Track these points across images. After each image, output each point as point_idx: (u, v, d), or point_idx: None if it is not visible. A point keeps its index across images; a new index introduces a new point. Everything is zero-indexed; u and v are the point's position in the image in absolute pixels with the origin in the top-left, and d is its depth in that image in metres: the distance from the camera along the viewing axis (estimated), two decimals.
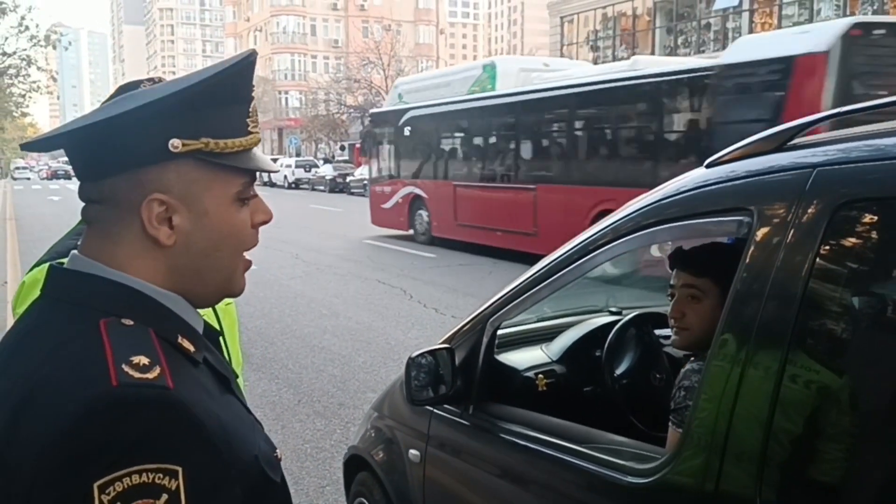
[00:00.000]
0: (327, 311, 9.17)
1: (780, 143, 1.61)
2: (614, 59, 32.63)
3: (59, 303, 0.89)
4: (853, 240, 1.41)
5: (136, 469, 0.74)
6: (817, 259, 1.38)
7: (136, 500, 0.74)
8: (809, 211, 1.42)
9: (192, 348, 0.91)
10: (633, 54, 31.84)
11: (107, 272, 0.90)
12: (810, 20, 24.77)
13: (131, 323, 0.86)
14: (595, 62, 33.69)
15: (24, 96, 26.83)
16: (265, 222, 1.00)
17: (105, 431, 0.75)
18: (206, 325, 1.02)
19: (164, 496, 0.75)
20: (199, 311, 1.92)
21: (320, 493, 4.23)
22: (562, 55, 34.99)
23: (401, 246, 15.16)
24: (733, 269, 1.55)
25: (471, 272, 11.96)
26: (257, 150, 0.98)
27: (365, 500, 2.88)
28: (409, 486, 2.57)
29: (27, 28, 23.15)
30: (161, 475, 0.75)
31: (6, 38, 27.08)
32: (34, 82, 25.95)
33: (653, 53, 30.57)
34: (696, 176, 1.76)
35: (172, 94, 0.88)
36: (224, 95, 0.92)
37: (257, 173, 0.98)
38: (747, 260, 1.52)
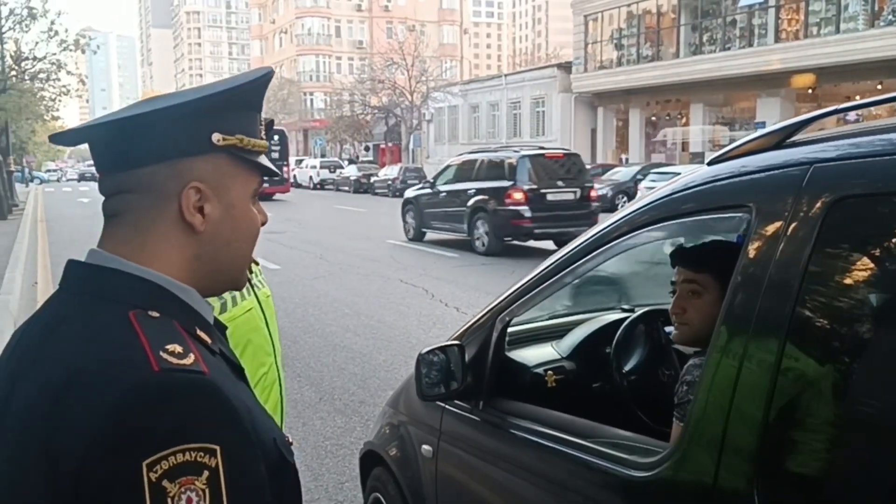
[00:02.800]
0: (350, 310, 9.24)
1: (780, 140, 1.62)
2: (639, 57, 32.50)
3: (83, 296, 0.93)
4: (849, 235, 1.43)
5: (180, 448, 0.80)
6: (813, 254, 1.40)
7: (181, 477, 0.79)
8: (806, 207, 1.44)
9: (208, 340, 0.96)
10: (658, 52, 31.68)
11: (127, 266, 0.94)
12: (837, 16, 24.46)
13: (157, 315, 0.91)
14: (619, 61, 33.62)
15: (54, 100, 27.26)
16: (264, 223, 1.08)
17: (151, 414, 0.81)
18: (215, 320, 1.07)
19: (206, 473, 0.81)
20: (247, 300, 1.98)
21: (339, 489, 4.29)
22: (585, 54, 34.91)
23: (423, 246, 15.23)
24: (733, 264, 1.57)
25: (493, 272, 11.99)
26: (264, 156, 1.06)
27: (380, 495, 2.93)
28: (422, 481, 2.61)
29: (56, 33, 23.52)
30: (202, 454, 0.81)
31: (36, 43, 27.59)
32: (64, 86, 26.37)
33: (677, 51, 30.40)
34: (699, 173, 1.78)
35: (218, 92, 0.96)
36: (250, 101, 1.02)
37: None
38: (746, 255, 1.53)
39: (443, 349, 2.34)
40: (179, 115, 0.94)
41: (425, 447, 2.56)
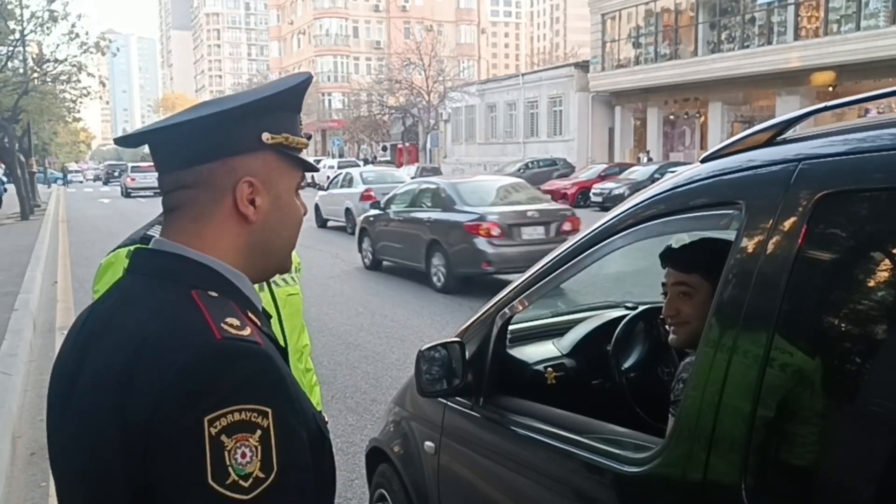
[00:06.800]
0: (363, 308, 9.29)
1: (771, 137, 1.63)
2: (657, 56, 32.34)
3: (150, 278, 1.04)
4: (836, 230, 1.43)
5: (238, 408, 0.89)
6: (801, 249, 1.40)
7: (237, 433, 0.88)
8: (794, 203, 1.44)
9: (258, 322, 1.06)
10: (676, 50, 31.51)
11: (188, 252, 1.04)
12: (858, 13, 24.19)
13: (216, 294, 1.01)
14: (637, 59, 33.46)
15: (75, 101, 27.53)
16: (305, 214, 1.18)
17: (213, 375, 0.90)
18: (263, 308, 1.17)
19: (259, 432, 0.90)
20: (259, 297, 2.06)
21: (348, 486, 4.33)
22: (603, 52, 34.78)
23: None
24: (723, 264, 1.57)
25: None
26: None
27: (385, 492, 2.95)
28: (424, 477, 2.63)
29: (77, 35, 23.76)
30: (256, 414, 0.90)
31: (57, 46, 27.90)
32: (85, 88, 26.63)
33: (696, 49, 30.21)
34: (691, 171, 1.79)
35: (266, 97, 1.06)
36: (292, 104, 1.12)
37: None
38: (736, 251, 1.54)
39: (444, 345, 2.36)
40: (232, 118, 1.04)
41: (428, 443, 2.59)
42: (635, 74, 33.20)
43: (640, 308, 2.62)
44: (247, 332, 0.95)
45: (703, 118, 32.20)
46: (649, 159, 31.15)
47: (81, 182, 69.23)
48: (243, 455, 0.88)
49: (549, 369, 2.45)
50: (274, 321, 2.04)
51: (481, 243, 9.80)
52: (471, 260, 9.95)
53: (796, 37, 26.21)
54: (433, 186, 11.49)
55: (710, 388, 1.52)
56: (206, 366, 0.90)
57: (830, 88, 25.69)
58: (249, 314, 1.04)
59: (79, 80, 25.97)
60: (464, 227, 10.00)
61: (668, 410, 1.96)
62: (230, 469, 0.87)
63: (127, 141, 1.12)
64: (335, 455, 3.63)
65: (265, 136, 1.06)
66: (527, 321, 2.86)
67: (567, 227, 10.29)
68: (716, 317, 1.55)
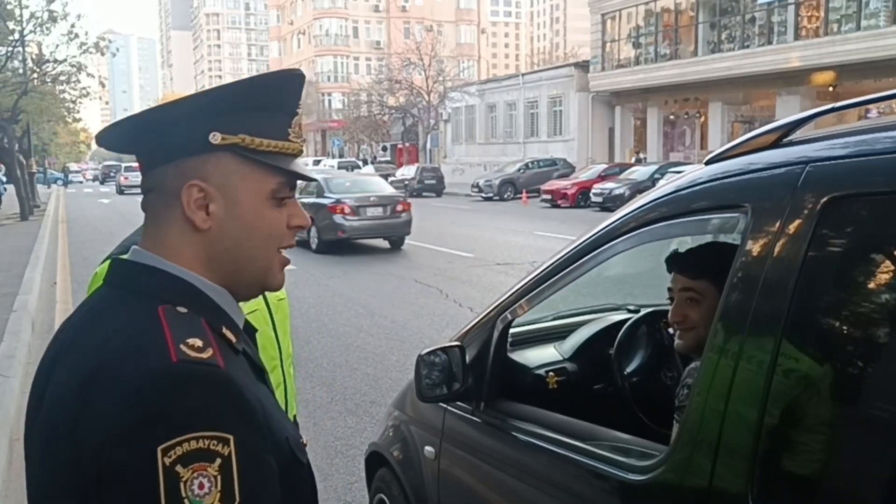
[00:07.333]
0: (363, 309, 9.26)
1: (777, 139, 1.60)
2: (657, 56, 32.30)
3: (121, 290, 0.99)
4: (844, 234, 1.41)
5: (194, 436, 0.83)
6: (809, 253, 1.38)
7: (193, 463, 0.83)
8: (801, 206, 1.42)
9: (233, 339, 1.00)
10: (676, 50, 31.47)
11: (164, 265, 0.99)
12: (858, 13, 24.15)
13: (185, 310, 0.95)
14: (637, 59, 33.42)
15: (75, 102, 27.51)
16: (301, 227, 1.08)
17: (167, 401, 0.85)
18: (246, 322, 1.11)
19: (219, 461, 0.84)
20: (251, 302, 2.01)
21: (348, 489, 4.29)
22: (603, 52, 34.75)
23: (439, 246, 15.22)
24: (729, 268, 1.54)
25: (508, 271, 11.95)
26: (299, 160, 1.07)
27: (384, 497, 2.92)
28: (424, 483, 2.60)
29: (76, 36, 23.73)
30: (216, 442, 0.84)
31: (57, 46, 27.88)
32: (84, 88, 26.61)
33: (696, 49, 30.18)
34: (695, 174, 1.76)
35: (214, 91, 1.00)
36: (266, 101, 1.02)
37: (297, 182, 1.07)
38: (742, 255, 1.51)
39: (444, 350, 2.33)
40: (178, 116, 0.98)
41: (428, 448, 2.56)
42: (635, 74, 33.15)
43: (643, 311, 2.59)
44: (207, 353, 0.89)
45: (703, 118, 32.15)
46: (638, 160, 31.12)
47: (81, 182, 69.23)
48: (200, 486, 0.83)
49: (551, 374, 2.42)
50: (268, 328, 2.02)
51: (338, 218, 14.52)
52: (331, 230, 14.55)
53: (796, 37, 26.16)
54: (316, 180, 14.76)
55: (715, 395, 1.49)
56: (160, 391, 0.85)
57: (831, 88, 25.65)
58: (225, 330, 0.98)
59: (78, 81, 25.99)
60: (327, 208, 14.54)
61: (672, 416, 1.93)
62: (186, 501, 0.82)
63: (100, 140, 1.08)
64: (334, 458, 3.59)
65: (213, 137, 0.98)
66: (527, 324, 2.83)
67: (399, 208, 15.19)
68: (721, 322, 1.52)
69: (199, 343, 0.90)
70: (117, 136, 1.05)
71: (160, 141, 0.98)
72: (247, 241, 1.02)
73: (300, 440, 1.08)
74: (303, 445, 1.07)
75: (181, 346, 0.88)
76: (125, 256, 1.04)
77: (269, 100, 1.02)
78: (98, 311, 0.98)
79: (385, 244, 15.57)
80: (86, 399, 0.87)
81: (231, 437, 0.85)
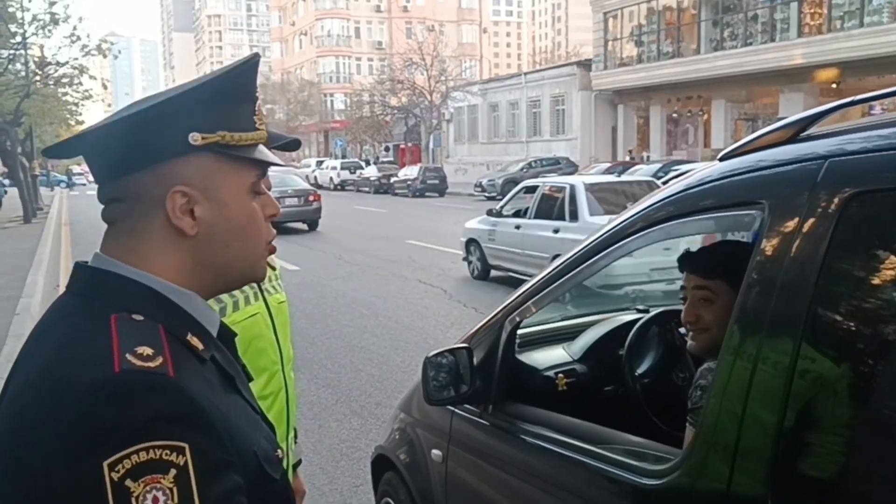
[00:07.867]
0: (367, 310, 9.22)
1: (795, 134, 1.56)
2: (659, 54, 32.23)
3: (79, 297, 0.94)
4: (866, 231, 1.36)
5: (144, 446, 0.78)
6: (830, 251, 1.33)
7: (145, 476, 0.77)
8: (821, 203, 1.38)
9: (200, 346, 0.94)
10: (679, 48, 31.40)
11: (125, 270, 0.94)
12: (861, 9, 24.07)
13: (141, 318, 0.89)
14: (639, 58, 33.36)
15: (77, 104, 27.53)
16: (273, 216, 1.04)
17: (107, 413, 0.79)
18: (222, 326, 1.05)
19: (173, 471, 0.78)
20: (252, 306, 1.95)
21: (354, 493, 4.26)
22: (605, 51, 34.69)
23: (443, 246, 15.18)
24: (744, 268, 1.50)
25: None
26: (263, 147, 1.02)
27: (391, 500, 2.89)
28: (431, 486, 2.56)
29: (79, 38, 23.73)
30: (168, 451, 0.79)
31: (59, 48, 27.90)
32: (87, 90, 26.62)
33: (698, 47, 30.11)
34: (709, 170, 1.72)
35: (189, 91, 0.93)
36: (235, 93, 0.97)
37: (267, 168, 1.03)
38: (759, 254, 1.47)
39: (451, 352, 2.29)
40: (151, 119, 0.92)
41: (435, 451, 2.52)
42: (638, 73, 33.09)
43: (654, 311, 2.55)
44: (156, 362, 0.83)
45: (706, 116, 32.08)
46: (632, 158, 30.99)
47: (85, 185, 69.27)
48: (155, 500, 0.77)
49: (560, 375, 2.38)
50: (269, 332, 1.97)
51: None
52: None
53: (799, 34, 26.09)
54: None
55: (733, 398, 1.45)
56: (100, 404, 0.79)
57: (834, 85, 25.57)
58: (191, 337, 0.93)
59: (81, 83, 25.99)
60: None
61: (685, 418, 1.89)
62: None
63: (55, 151, 1.00)
64: (339, 460, 3.55)
65: (193, 138, 0.92)
66: (534, 325, 2.79)
67: (311, 198, 18.78)
68: (738, 323, 1.48)
69: (148, 351, 0.84)
70: (81, 146, 0.96)
71: (133, 147, 0.92)
72: (235, 241, 0.98)
73: (274, 453, 1.01)
74: (277, 459, 1.01)
75: (127, 355, 0.83)
76: (87, 261, 0.98)
77: (238, 91, 0.97)
78: (52, 321, 0.93)
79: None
80: (29, 416, 0.82)
81: (186, 446, 0.80)
